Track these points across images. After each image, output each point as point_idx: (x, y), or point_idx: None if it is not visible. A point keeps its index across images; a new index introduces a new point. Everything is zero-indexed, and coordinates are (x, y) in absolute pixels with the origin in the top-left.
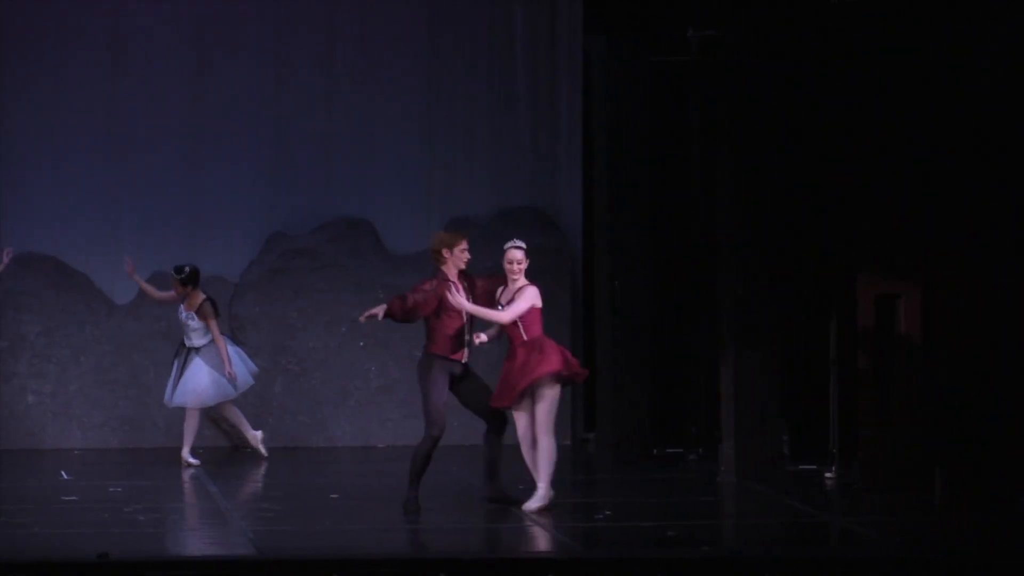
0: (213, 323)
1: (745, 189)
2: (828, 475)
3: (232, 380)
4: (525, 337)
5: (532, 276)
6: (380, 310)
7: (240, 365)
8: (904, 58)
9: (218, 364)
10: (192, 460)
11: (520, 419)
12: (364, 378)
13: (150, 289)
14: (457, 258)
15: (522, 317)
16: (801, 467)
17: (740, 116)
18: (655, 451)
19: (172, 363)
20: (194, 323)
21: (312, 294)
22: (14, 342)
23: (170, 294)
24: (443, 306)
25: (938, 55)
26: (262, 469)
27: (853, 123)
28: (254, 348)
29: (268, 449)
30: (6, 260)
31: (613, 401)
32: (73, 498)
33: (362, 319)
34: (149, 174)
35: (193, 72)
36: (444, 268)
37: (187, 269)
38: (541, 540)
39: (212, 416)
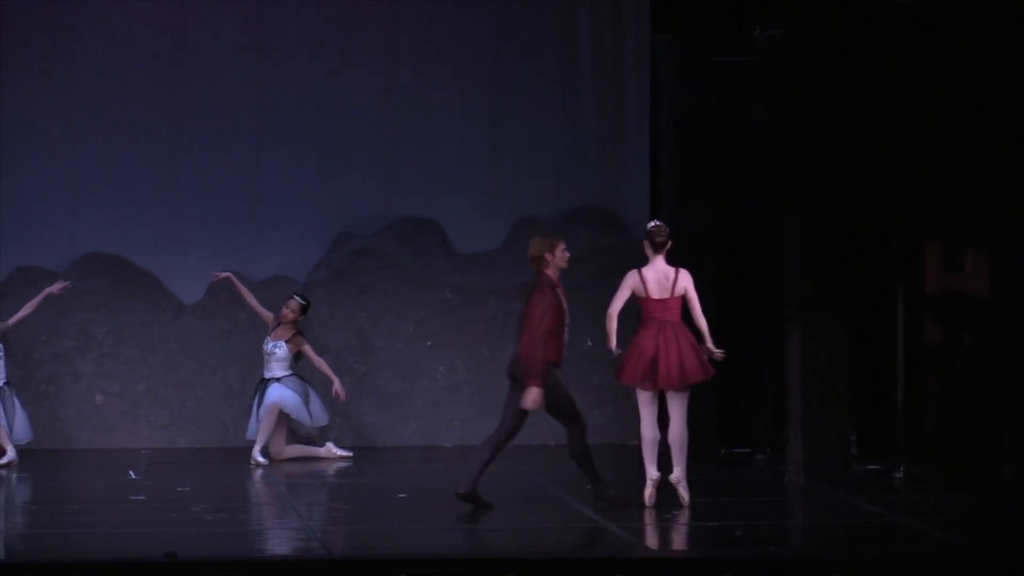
0: (309, 348)
1: (810, 189)
2: (896, 474)
3: (338, 395)
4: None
5: (599, 276)
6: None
7: (317, 401)
8: (970, 56)
9: (300, 390)
10: (261, 459)
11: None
12: (431, 378)
13: (247, 293)
14: (559, 259)
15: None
16: (869, 466)
17: (805, 115)
18: (723, 451)
19: (252, 398)
20: (280, 352)
21: (378, 294)
22: (81, 342)
23: (266, 312)
24: (560, 313)
25: (1002, 51)
26: (330, 468)
27: (918, 121)
28: (321, 348)
29: (338, 448)
30: (57, 290)
31: None
32: (141, 497)
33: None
34: (216, 175)
35: (255, 72)
36: (548, 272)
37: (307, 301)
38: (608, 540)
39: (291, 426)
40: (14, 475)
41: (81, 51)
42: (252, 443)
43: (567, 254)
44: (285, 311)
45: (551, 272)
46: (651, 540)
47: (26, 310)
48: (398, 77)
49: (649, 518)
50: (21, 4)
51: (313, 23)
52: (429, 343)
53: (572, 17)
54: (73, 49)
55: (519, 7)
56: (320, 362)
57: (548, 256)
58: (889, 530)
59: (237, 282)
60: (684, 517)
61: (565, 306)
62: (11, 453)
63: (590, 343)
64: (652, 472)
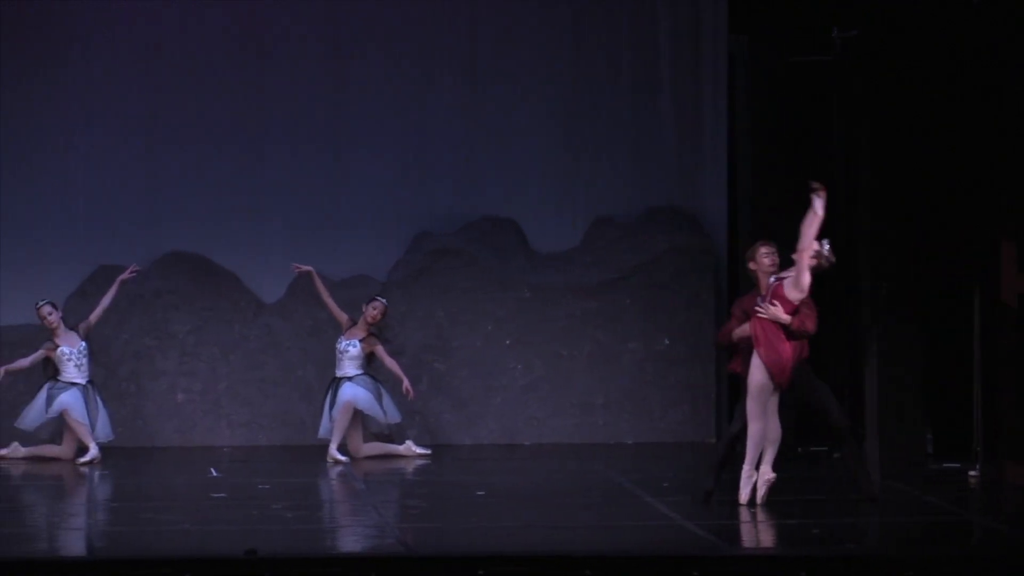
0: (382, 348)
1: (887, 190)
2: (972, 473)
3: (408, 394)
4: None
5: (676, 276)
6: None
7: (389, 400)
8: None
9: (373, 388)
10: (340, 457)
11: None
12: (510, 376)
13: (324, 291)
14: (760, 265)
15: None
16: (945, 465)
17: (882, 116)
18: (799, 449)
19: (324, 396)
20: (354, 350)
21: (457, 293)
22: (163, 340)
23: (341, 313)
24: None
25: None
26: (408, 466)
27: (992, 120)
28: (400, 347)
29: (417, 447)
30: (128, 275)
31: None
32: (222, 495)
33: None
34: (296, 174)
35: (335, 72)
36: (758, 283)
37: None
38: (684, 537)
39: (365, 424)
40: (96, 472)
41: (164, 51)
42: (329, 442)
43: (768, 259)
44: (373, 312)
45: (760, 280)
46: (728, 538)
47: (105, 302)
48: (477, 77)
49: (727, 516)
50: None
51: (393, 23)
52: (507, 342)
53: (650, 17)
54: (156, 49)
55: (597, 7)
56: (392, 363)
57: (752, 264)
58: (964, 529)
59: (317, 278)
60: (761, 515)
61: (773, 314)
62: (94, 450)
63: (667, 341)
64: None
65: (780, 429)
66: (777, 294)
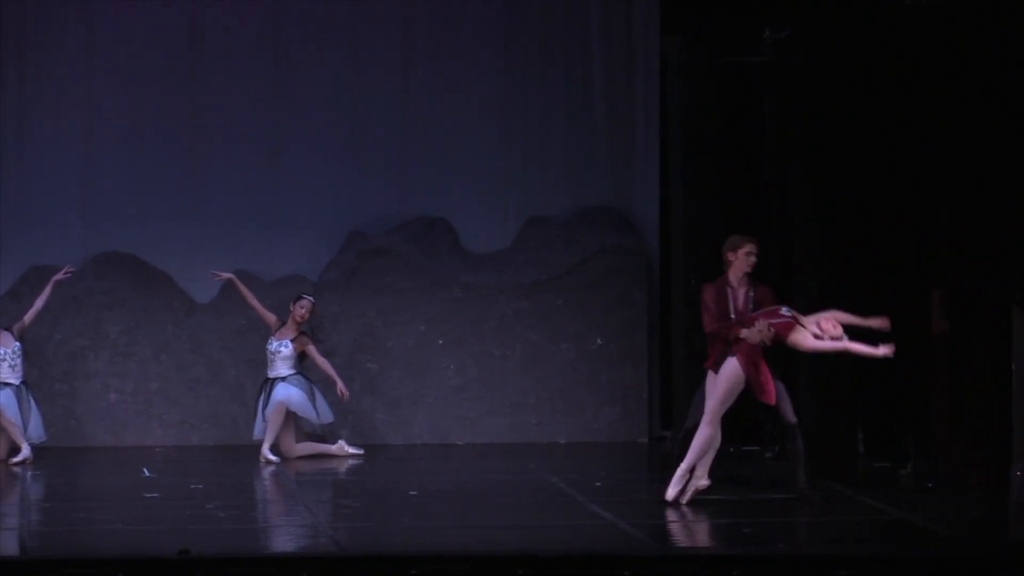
0: (313, 347)
1: (819, 191)
2: (903, 472)
3: (343, 394)
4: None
5: (609, 275)
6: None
7: (322, 400)
8: (981, 59)
9: (306, 388)
10: (272, 457)
11: None
12: (442, 376)
13: (249, 295)
14: (742, 261)
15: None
16: (876, 464)
17: (814, 117)
18: (731, 449)
19: (257, 398)
20: (286, 351)
21: (390, 293)
22: (95, 340)
23: (269, 314)
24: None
25: (1015, 56)
26: (341, 466)
27: (927, 125)
28: (333, 347)
29: (350, 447)
30: (63, 276)
31: (687, 400)
32: (154, 495)
33: None
34: (228, 174)
35: (270, 71)
36: (729, 272)
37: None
38: (617, 537)
39: (298, 424)
40: (28, 473)
41: (96, 48)
42: (262, 442)
43: (752, 258)
44: (301, 311)
45: (731, 273)
46: (660, 537)
47: (39, 303)
48: (410, 76)
49: (659, 515)
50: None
51: (327, 22)
52: (440, 342)
53: (582, 17)
54: (88, 46)
55: (529, 7)
56: (324, 362)
57: (730, 256)
58: (897, 528)
59: (240, 284)
60: (693, 514)
61: (731, 304)
62: (26, 451)
63: (600, 341)
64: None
65: (720, 436)
66: (782, 329)
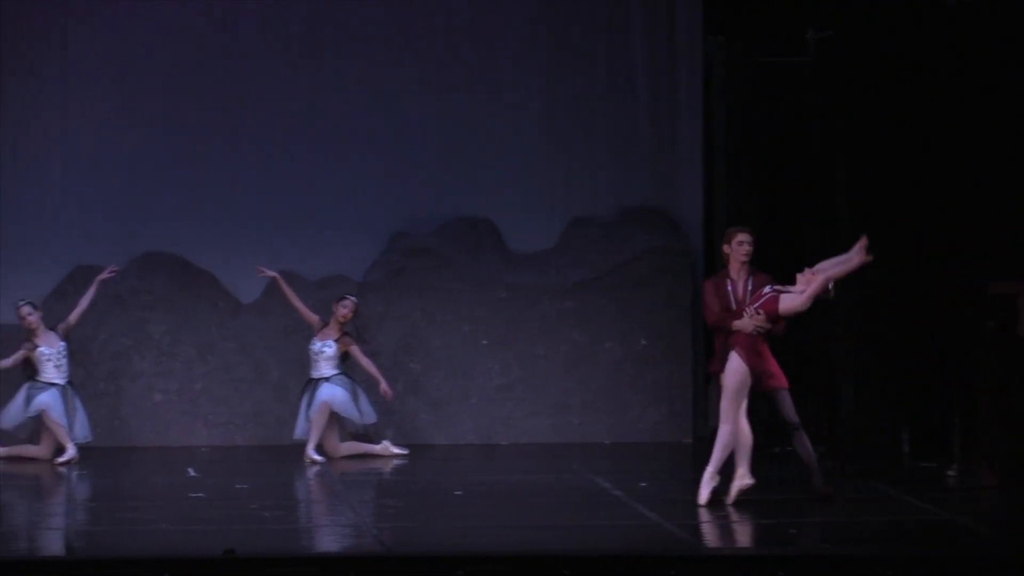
0: (356, 348)
1: (862, 190)
2: (949, 472)
3: (386, 394)
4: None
5: (653, 276)
6: None
7: (365, 400)
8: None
9: (349, 388)
10: (316, 457)
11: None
12: (487, 376)
13: (292, 295)
14: (735, 251)
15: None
16: (922, 464)
17: (857, 117)
18: (776, 449)
19: (300, 398)
20: (329, 351)
21: (434, 293)
22: (140, 340)
23: (312, 315)
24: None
25: None
26: (386, 466)
27: (971, 124)
28: (377, 347)
29: (394, 446)
30: (107, 276)
31: None
32: (199, 495)
33: None
34: (273, 174)
35: (313, 72)
36: (728, 265)
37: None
38: (661, 537)
39: (341, 424)
40: (74, 472)
41: (140, 48)
42: (306, 442)
43: (745, 247)
44: (344, 311)
45: (730, 265)
46: (705, 538)
47: (83, 303)
48: (453, 76)
49: (703, 516)
50: None
51: (370, 23)
52: (484, 342)
53: (625, 17)
54: (133, 46)
55: (572, 7)
56: (367, 362)
57: (726, 248)
58: (942, 528)
59: (283, 284)
60: (738, 515)
61: (731, 297)
62: (72, 451)
63: (644, 342)
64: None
65: (751, 432)
66: (768, 306)
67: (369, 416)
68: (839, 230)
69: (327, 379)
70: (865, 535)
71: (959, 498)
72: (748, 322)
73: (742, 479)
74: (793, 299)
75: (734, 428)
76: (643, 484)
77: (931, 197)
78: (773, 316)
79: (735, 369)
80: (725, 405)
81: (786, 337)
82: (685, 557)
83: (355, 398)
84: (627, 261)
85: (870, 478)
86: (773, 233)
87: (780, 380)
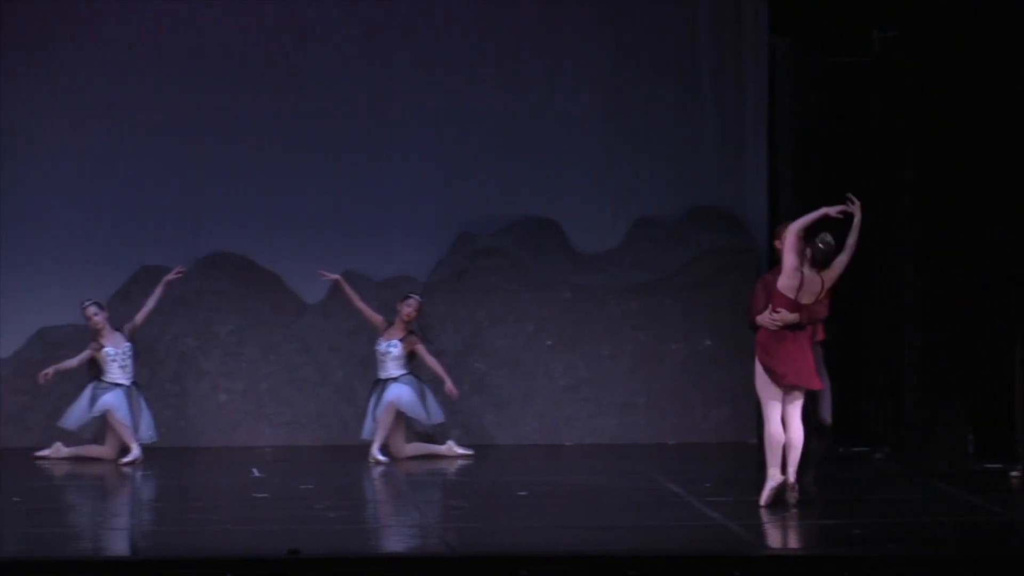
0: (422, 347)
1: (928, 190)
2: (1014, 473)
3: (451, 393)
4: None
5: (718, 275)
6: None
7: (432, 400)
8: None
9: (416, 388)
10: (381, 457)
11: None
12: (551, 376)
13: (355, 296)
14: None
15: None
16: (986, 465)
17: (923, 117)
18: (840, 449)
19: (368, 399)
20: (395, 351)
21: (499, 294)
22: (205, 341)
23: (376, 315)
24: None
25: None
26: (451, 466)
27: None
28: (441, 347)
29: (459, 447)
30: (173, 276)
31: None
32: (264, 495)
33: None
34: (338, 174)
35: (375, 73)
36: (782, 259)
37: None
38: (727, 538)
39: (408, 424)
40: (139, 473)
41: (205, 53)
42: (371, 442)
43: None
44: (408, 310)
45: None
46: (770, 538)
47: (150, 304)
48: (518, 77)
49: (768, 516)
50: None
51: (434, 24)
52: (549, 342)
53: (690, 18)
54: (197, 51)
55: (637, 6)
56: (432, 361)
57: (778, 244)
58: (1006, 529)
59: (346, 286)
60: (802, 515)
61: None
62: (136, 451)
63: (709, 342)
64: (777, 473)
65: (797, 432)
66: (778, 301)
67: (437, 416)
68: (904, 229)
69: (394, 379)
70: (930, 536)
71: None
72: (766, 317)
73: (771, 479)
74: (785, 264)
75: (767, 428)
76: (707, 484)
77: (997, 196)
78: (784, 304)
79: (757, 369)
80: (762, 404)
81: (847, 338)
82: (749, 557)
83: (422, 398)
84: (692, 261)
85: (934, 479)
86: (838, 231)
87: (791, 378)
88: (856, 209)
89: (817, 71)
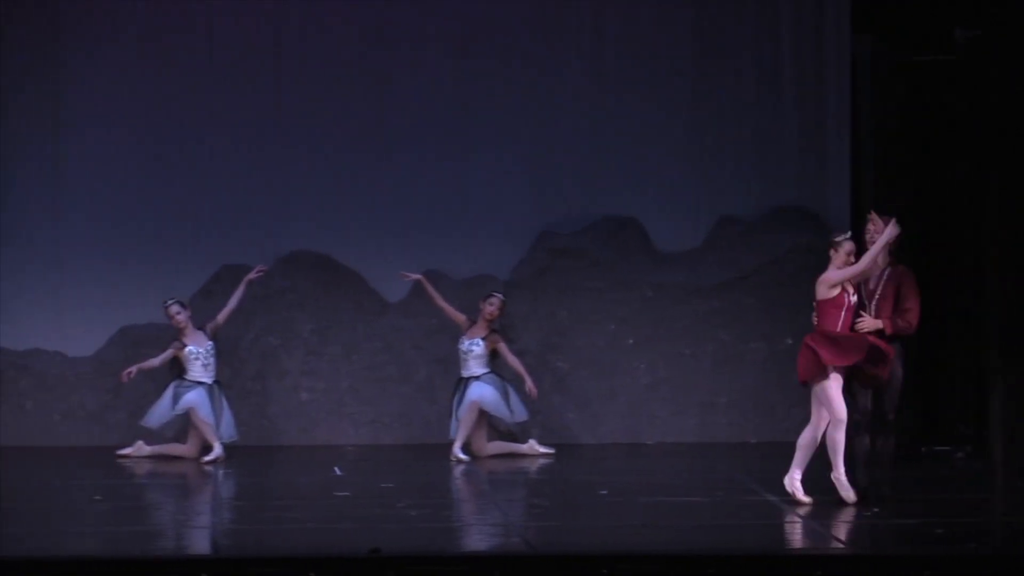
0: (504, 345)
1: (1012, 189)
2: None
3: (531, 393)
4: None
5: (799, 275)
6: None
7: (515, 398)
8: None
9: (499, 387)
10: (462, 456)
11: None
12: (633, 375)
13: (437, 296)
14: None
15: None
16: None
17: (1006, 115)
18: (923, 449)
19: (452, 398)
20: (478, 349)
21: (580, 293)
22: (287, 340)
23: (458, 314)
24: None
25: None
26: (532, 465)
27: None
28: (523, 346)
29: (540, 446)
30: (255, 275)
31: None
32: (345, 494)
33: None
34: (419, 174)
35: (459, 71)
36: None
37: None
38: (808, 537)
39: (491, 423)
40: (220, 471)
41: (286, 51)
42: (454, 441)
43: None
44: (491, 308)
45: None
46: (851, 537)
47: (232, 303)
48: (600, 77)
49: (850, 515)
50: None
51: (516, 23)
52: (630, 341)
53: (772, 17)
54: (278, 49)
55: (720, 7)
56: (514, 360)
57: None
58: None
59: (428, 285)
60: (884, 515)
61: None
62: (218, 449)
63: (790, 341)
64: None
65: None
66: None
67: (520, 414)
68: (988, 229)
69: (477, 378)
70: (1012, 536)
71: None
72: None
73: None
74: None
75: (812, 434)
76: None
77: None
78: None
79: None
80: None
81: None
82: (830, 556)
83: (505, 396)
84: (773, 260)
85: (1017, 478)
86: (924, 232)
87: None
88: (891, 226)
89: (899, 69)
